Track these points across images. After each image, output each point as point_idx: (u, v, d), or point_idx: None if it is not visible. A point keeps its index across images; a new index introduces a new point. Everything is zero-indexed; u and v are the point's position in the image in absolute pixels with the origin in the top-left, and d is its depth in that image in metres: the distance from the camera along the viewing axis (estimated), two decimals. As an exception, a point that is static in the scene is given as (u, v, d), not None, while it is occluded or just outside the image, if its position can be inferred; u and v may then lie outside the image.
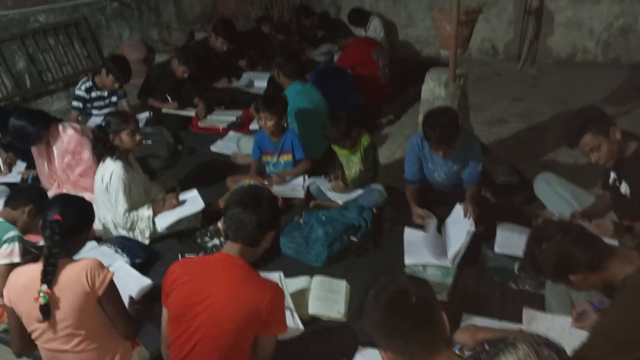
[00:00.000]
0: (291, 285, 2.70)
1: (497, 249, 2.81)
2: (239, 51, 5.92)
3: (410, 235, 3.02)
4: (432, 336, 1.36)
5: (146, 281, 2.68)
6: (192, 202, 3.22)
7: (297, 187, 3.58)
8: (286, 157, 3.67)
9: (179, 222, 3.16)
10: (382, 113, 5.09)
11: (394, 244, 3.10)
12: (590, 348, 1.71)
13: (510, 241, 2.78)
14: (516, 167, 3.67)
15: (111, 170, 3.05)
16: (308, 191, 3.56)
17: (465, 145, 3.08)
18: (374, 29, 6.39)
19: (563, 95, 5.41)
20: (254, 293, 1.82)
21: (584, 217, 2.74)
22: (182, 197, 3.30)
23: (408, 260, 2.86)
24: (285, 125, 3.73)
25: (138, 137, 3.11)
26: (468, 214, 2.86)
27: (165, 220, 3.13)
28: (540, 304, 2.44)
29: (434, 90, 3.50)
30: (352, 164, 3.53)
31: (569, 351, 1.72)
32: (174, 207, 3.22)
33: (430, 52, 6.95)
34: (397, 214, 3.28)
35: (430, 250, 2.81)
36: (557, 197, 3.06)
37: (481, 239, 2.93)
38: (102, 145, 3.05)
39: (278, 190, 3.53)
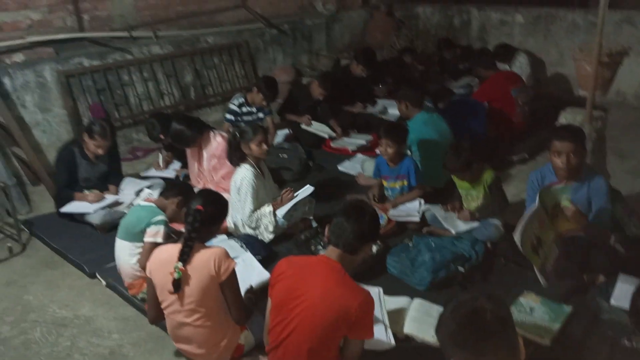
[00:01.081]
0: (391, 302, 2.80)
1: (613, 301, 2.63)
2: (377, 78, 6.18)
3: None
4: (502, 354, 1.39)
5: (266, 274, 2.97)
6: (305, 190, 3.57)
7: (412, 211, 3.68)
8: (401, 183, 3.81)
9: (295, 209, 3.50)
10: (516, 150, 4.96)
11: (505, 281, 3.06)
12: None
13: (629, 295, 2.58)
14: (653, 221, 3.37)
15: (242, 175, 3.45)
16: (423, 217, 3.63)
17: (590, 181, 2.92)
18: (519, 65, 6.25)
19: None
20: (346, 296, 1.97)
21: None
22: (296, 192, 3.63)
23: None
24: (409, 152, 3.85)
25: (265, 147, 3.51)
26: None
27: (283, 209, 3.48)
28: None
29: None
30: (472, 198, 3.53)
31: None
32: (290, 200, 3.54)
33: (583, 92, 6.59)
34: (513, 251, 3.20)
35: None
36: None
37: (599, 289, 2.77)
38: (234, 152, 3.46)
39: (393, 213, 3.66)
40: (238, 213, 3.53)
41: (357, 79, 5.84)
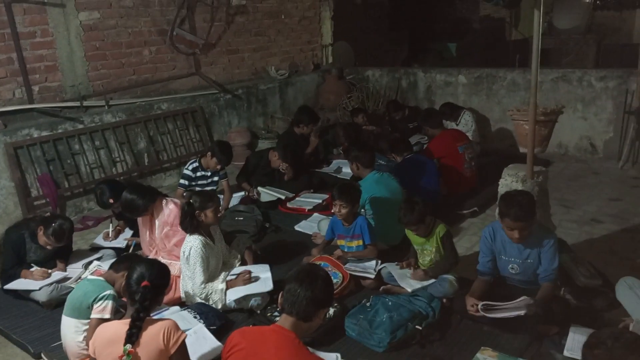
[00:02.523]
0: (350, 367, 2.75)
1: (566, 352, 2.67)
2: (329, 140, 6.33)
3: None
4: None
5: (219, 346, 2.88)
6: (263, 282, 3.43)
7: (368, 268, 3.69)
8: (357, 242, 3.82)
9: (247, 298, 3.37)
10: (466, 205, 5.10)
11: (461, 337, 3.05)
12: None
13: (581, 346, 2.63)
14: (600, 270, 3.49)
15: (191, 245, 3.39)
16: (379, 275, 3.65)
17: (540, 238, 3.05)
18: (465, 123, 6.53)
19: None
20: (301, 367, 1.93)
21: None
22: (254, 271, 3.53)
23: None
24: (362, 211, 3.91)
25: (219, 214, 3.52)
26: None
27: (234, 294, 3.38)
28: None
29: (510, 185, 3.52)
30: (427, 252, 3.58)
31: None
32: (245, 283, 3.45)
33: (522, 149, 6.92)
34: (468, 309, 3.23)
35: None
36: (639, 303, 2.89)
37: (553, 340, 2.81)
38: (190, 220, 3.42)
39: (350, 267, 3.66)
40: (188, 283, 3.45)
41: (307, 139, 6.01)
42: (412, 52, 10.79)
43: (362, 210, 4.10)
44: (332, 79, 8.21)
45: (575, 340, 2.71)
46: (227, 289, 3.41)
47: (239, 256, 3.83)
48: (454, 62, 9.69)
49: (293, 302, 2.07)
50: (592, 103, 6.43)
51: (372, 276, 3.64)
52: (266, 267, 3.61)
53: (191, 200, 3.46)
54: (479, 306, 2.95)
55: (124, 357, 2.18)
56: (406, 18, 10.63)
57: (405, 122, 7.06)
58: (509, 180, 3.57)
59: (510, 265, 3.19)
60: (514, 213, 2.93)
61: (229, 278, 3.50)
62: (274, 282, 3.44)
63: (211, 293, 3.41)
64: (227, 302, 3.39)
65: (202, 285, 3.38)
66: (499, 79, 7.16)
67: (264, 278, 3.48)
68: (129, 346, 2.19)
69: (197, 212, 3.42)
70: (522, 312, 2.82)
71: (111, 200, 4.10)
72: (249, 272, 3.49)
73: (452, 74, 7.57)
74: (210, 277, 3.46)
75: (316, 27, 8.56)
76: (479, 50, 10.23)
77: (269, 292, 3.41)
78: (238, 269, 3.62)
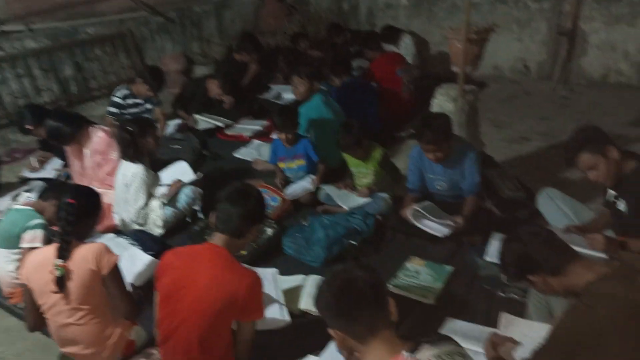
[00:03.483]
0: (287, 281, 2.85)
1: (487, 257, 2.86)
2: (270, 64, 6.17)
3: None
4: (374, 318, 1.47)
5: (154, 260, 2.88)
6: (183, 172, 3.64)
7: (305, 185, 3.78)
8: (298, 162, 3.87)
9: (178, 200, 3.48)
10: (404, 127, 5.18)
11: (394, 251, 3.20)
12: (541, 352, 1.76)
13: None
14: (525, 183, 3.69)
15: (134, 171, 3.33)
16: (317, 197, 3.72)
17: (462, 154, 3.17)
18: (405, 47, 6.50)
19: (590, 116, 5.34)
20: (233, 280, 1.97)
21: (579, 231, 2.76)
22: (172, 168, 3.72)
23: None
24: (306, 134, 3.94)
25: (158, 140, 3.45)
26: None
27: (164, 197, 3.47)
28: (524, 312, 2.48)
29: (443, 105, 3.60)
30: (362, 175, 3.66)
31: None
32: (177, 189, 3.51)
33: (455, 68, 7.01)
34: (401, 222, 3.37)
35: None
36: (558, 212, 3.09)
37: (477, 248, 3.00)
38: (133, 148, 3.33)
39: (289, 192, 3.71)
40: (125, 210, 3.40)
41: (247, 67, 5.82)
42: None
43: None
44: (272, 2, 7.88)
45: (495, 246, 2.89)
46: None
47: None
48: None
49: (226, 220, 2.08)
50: (527, 24, 6.52)
51: (312, 188, 3.73)
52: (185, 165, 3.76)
53: (129, 128, 3.34)
54: (411, 210, 3.08)
55: (56, 271, 2.16)
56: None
57: (347, 47, 6.95)
58: (441, 100, 3.64)
59: (437, 183, 3.32)
60: (426, 136, 3.03)
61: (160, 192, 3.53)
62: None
63: (149, 213, 3.41)
64: (166, 212, 3.42)
65: (141, 210, 3.38)
66: (439, 1, 7.10)
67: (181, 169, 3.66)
68: (60, 260, 2.18)
69: (138, 138, 3.32)
70: (443, 234, 2.99)
71: (30, 127, 3.88)
72: (179, 180, 3.55)
73: (394, -5, 7.44)
74: (146, 203, 3.43)
75: (253, -57, 8.11)
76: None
77: (198, 183, 3.57)
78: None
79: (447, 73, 6.83)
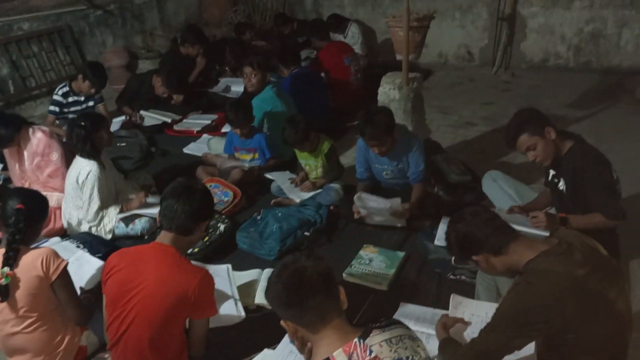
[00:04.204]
0: (241, 277, 2.83)
1: (436, 242, 2.94)
2: (214, 56, 6.07)
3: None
4: (325, 307, 1.49)
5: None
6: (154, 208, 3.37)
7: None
8: (253, 155, 3.88)
9: (135, 221, 3.31)
10: (354, 116, 5.22)
11: (347, 240, 3.24)
12: (489, 330, 1.83)
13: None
14: (470, 167, 3.80)
15: (88, 169, 3.20)
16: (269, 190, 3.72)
17: (407, 143, 3.23)
18: (352, 35, 6.54)
19: (532, 99, 5.53)
20: (182, 278, 1.95)
21: (522, 211, 2.87)
22: (150, 200, 3.44)
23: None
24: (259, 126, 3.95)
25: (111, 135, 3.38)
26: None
27: (124, 214, 3.30)
28: (473, 293, 2.57)
29: (388, 93, 3.65)
30: (311, 168, 3.68)
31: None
32: (140, 205, 3.37)
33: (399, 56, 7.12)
34: (353, 212, 3.41)
35: None
36: (502, 194, 3.20)
37: (426, 233, 3.07)
38: (86, 144, 3.20)
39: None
40: (76, 211, 3.28)
41: (194, 61, 5.69)
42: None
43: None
44: (215, -8, 7.75)
45: (443, 230, 2.95)
46: (120, 212, 3.32)
47: (137, 187, 3.68)
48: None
49: (171, 218, 2.05)
50: (469, 11, 6.67)
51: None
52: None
53: (82, 123, 3.22)
54: (355, 196, 3.15)
55: (2, 280, 2.08)
56: None
57: (294, 37, 6.92)
58: (387, 88, 3.69)
59: (384, 172, 3.38)
60: (368, 132, 3.09)
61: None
62: None
63: (104, 217, 3.30)
64: (117, 227, 3.30)
65: (98, 212, 3.26)
66: (383, -11, 7.17)
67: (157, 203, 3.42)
68: (7, 269, 2.10)
69: (92, 134, 3.21)
70: (388, 205, 3.07)
71: None
72: (145, 194, 3.42)
73: (339, -16, 7.45)
74: (102, 206, 3.31)
75: None
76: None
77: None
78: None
79: (394, 62, 6.98)
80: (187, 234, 2.08)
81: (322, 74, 5.28)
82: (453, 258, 2.78)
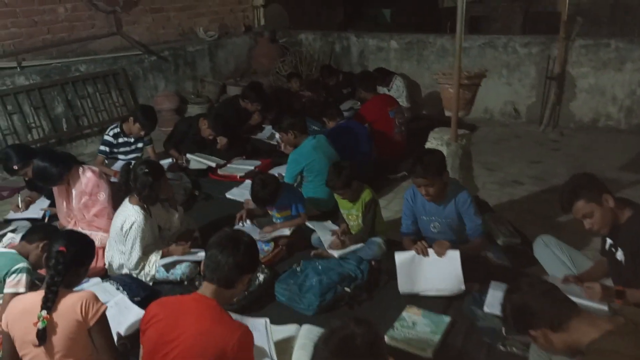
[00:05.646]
0: (278, 332, 2.73)
1: (486, 309, 2.78)
2: (266, 108, 6.18)
3: (403, 258, 3.09)
4: None
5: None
6: (197, 256, 3.34)
7: (284, 230, 3.67)
8: (285, 213, 3.77)
9: (176, 266, 3.28)
10: (397, 169, 5.17)
11: (389, 297, 3.11)
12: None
13: (499, 301, 2.74)
14: (519, 229, 3.65)
15: (133, 219, 3.20)
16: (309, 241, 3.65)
17: (456, 195, 3.15)
18: (397, 88, 6.58)
19: (582, 160, 5.38)
20: (222, 333, 1.88)
21: (578, 281, 2.71)
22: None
23: (402, 288, 3.04)
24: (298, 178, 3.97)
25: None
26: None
27: (166, 259, 3.29)
28: (525, 368, 2.40)
29: (436, 148, 3.58)
30: (352, 218, 3.61)
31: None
32: (183, 253, 3.36)
33: (448, 112, 7.08)
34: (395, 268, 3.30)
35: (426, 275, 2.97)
36: (555, 260, 3.05)
37: (474, 297, 2.92)
38: (150, 191, 3.22)
39: (267, 229, 3.66)
40: (118, 255, 3.29)
41: (247, 113, 5.84)
42: (347, 17, 10.69)
43: (299, 177, 4.13)
44: (265, 42, 7.99)
45: (494, 296, 2.81)
46: (162, 257, 3.30)
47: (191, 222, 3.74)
48: (388, 27, 9.69)
49: (214, 269, 2.00)
50: (517, 69, 6.63)
51: (288, 233, 3.62)
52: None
53: (146, 169, 3.24)
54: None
55: (39, 323, 2.06)
56: (339, -19, 10.48)
57: (339, 88, 7.02)
58: (434, 144, 3.64)
59: (431, 224, 3.27)
60: (417, 170, 3.02)
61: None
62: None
63: (146, 263, 3.30)
64: (158, 271, 3.27)
65: (139, 261, 3.25)
66: (429, 44, 7.23)
67: (200, 253, 3.38)
68: (44, 312, 2.08)
69: (155, 184, 3.24)
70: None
71: (16, 167, 3.80)
72: (188, 245, 3.41)
73: (385, 39, 7.56)
74: (144, 254, 3.30)
75: (247, -14, 8.28)
76: (412, 16, 10.28)
77: (198, 263, 3.32)
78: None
79: (438, 116, 6.97)
80: (229, 287, 2.03)
81: (366, 125, 5.27)
82: (504, 328, 2.62)
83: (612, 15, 9.50)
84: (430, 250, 3.06)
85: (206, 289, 2.01)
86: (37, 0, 5.63)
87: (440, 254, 3.01)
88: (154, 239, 3.39)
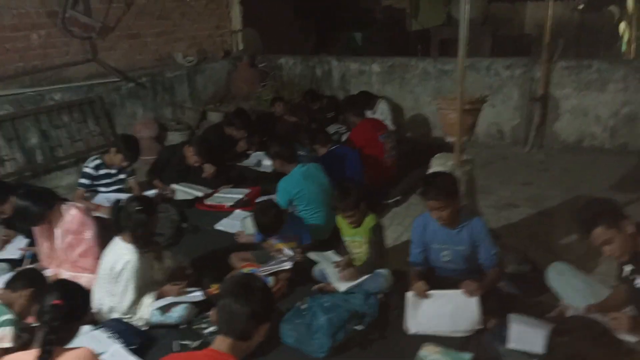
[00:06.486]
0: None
1: (512, 344, 2.63)
2: (250, 134, 6.03)
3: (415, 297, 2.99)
4: None
5: None
6: (193, 297, 3.15)
7: (283, 262, 3.46)
8: (291, 244, 3.58)
9: (171, 309, 3.06)
10: (389, 194, 5.06)
11: (401, 334, 2.96)
12: None
13: (524, 336, 2.60)
14: (528, 256, 3.56)
15: (127, 258, 2.98)
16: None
17: (468, 222, 3.05)
18: (382, 112, 6.51)
19: (571, 181, 5.37)
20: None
21: (600, 311, 2.61)
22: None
23: (412, 327, 2.93)
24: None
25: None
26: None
27: (161, 301, 3.07)
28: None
29: (444, 171, 3.48)
30: (356, 245, 3.47)
31: None
32: (179, 294, 3.15)
33: (437, 134, 7.04)
34: (404, 301, 3.15)
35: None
36: (570, 288, 2.96)
37: (493, 332, 2.78)
38: (145, 231, 3.05)
39: (265, 267, 3.42)
40: (108, 297, 3.04)
41: (232, 139, 5.69)
42: (320, 41, 10.68)
43: (291, 205, 3.91)
44: (244, 67, 7.85)
45: (517, 331, 2.65)
46: (156, 299, 3.08)
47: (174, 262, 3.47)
48: (361, 51, 9.69)
49: (229, 320, 1.82)
50: (500, 91, 6.64)
51: (289, 266, 3.42)
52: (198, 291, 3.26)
53: (138, 207, 3.04)
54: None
55: None
56: (311, 6, 10.47)
57: (323, 112, 6.92)
58: (438, 170, 3.53)
59: (442, 253, 3.13)
60: (432, 192, 2.93)
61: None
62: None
63: (139, 308, 3.06)
64: (153, 315, 3.03)
65: (132, 304, 3.02)
66: (410, 67, 7.21)
67: (195, 295, 3.19)
68: None
69: (149, 219, 3.05)
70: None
71: None
72: (185, 284, 3.20)
73: (366, 62, 7.52)
74: (137, 297, 3.07)
75: (224, 11, 8.13)
76: (383, 40, 10.34)
77: (195, 304, 3.10)
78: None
79: (422, 139, 6.93)
80: (246, 339, 1.84)
81: (357, 151, 5.16)
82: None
83: (578, 36, 9.78)
84: (443, 292, 2.94)
85: (222, 343, 1.82)
86: (9, 27, 5.37)
87: (473, 294, 2.88)
88: (145, 284, 3.15)
